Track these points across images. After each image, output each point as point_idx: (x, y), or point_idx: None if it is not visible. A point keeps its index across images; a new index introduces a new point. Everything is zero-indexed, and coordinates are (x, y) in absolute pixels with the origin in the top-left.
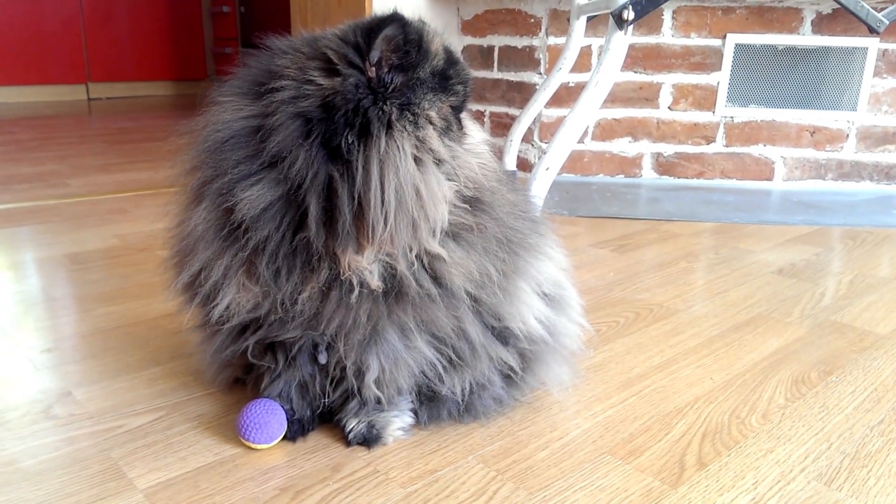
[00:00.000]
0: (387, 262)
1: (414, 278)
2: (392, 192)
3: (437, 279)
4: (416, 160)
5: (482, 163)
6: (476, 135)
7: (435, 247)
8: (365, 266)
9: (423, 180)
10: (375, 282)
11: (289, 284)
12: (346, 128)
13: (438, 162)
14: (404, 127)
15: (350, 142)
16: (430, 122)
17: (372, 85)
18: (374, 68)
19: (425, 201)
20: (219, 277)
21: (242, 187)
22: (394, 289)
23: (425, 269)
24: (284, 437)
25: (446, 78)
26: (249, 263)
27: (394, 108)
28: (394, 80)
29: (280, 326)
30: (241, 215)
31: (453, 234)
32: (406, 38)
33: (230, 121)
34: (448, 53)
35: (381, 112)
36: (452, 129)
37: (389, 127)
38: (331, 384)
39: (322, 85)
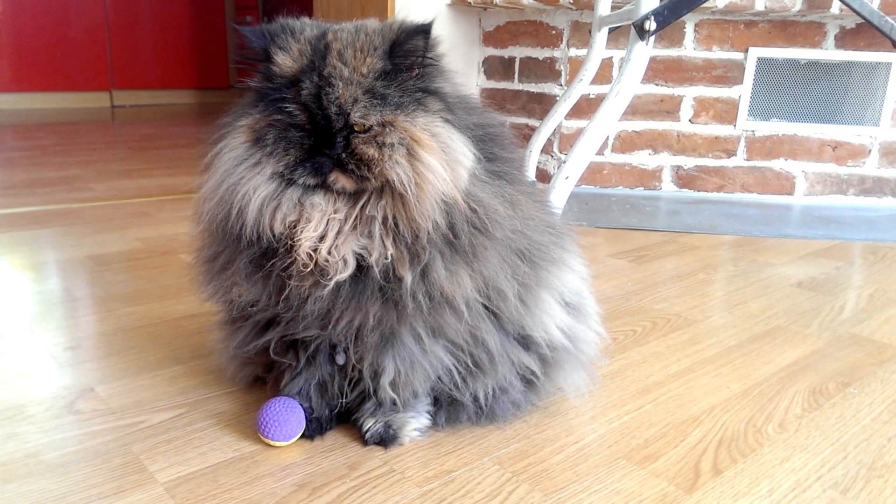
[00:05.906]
0: (360, 255)
1: (411, 292)
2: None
3: (429, 293)
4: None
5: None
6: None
7: (401, 270)
8: (331, 257)
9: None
10: (346, 273)
11: (267, 277)
12: None
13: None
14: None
15: None
16: (244, 130)
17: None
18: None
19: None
20: (222, 274)
21: None
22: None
23: (423, 282)
24: (303, 435)
25: (275, 98)
26: (238, 259)
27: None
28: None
29: (296, 324)
30: None
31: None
32: (252, 43)
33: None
34: (297, 75)
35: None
36: (267, 144)
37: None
38: (348, 384)
39: None
